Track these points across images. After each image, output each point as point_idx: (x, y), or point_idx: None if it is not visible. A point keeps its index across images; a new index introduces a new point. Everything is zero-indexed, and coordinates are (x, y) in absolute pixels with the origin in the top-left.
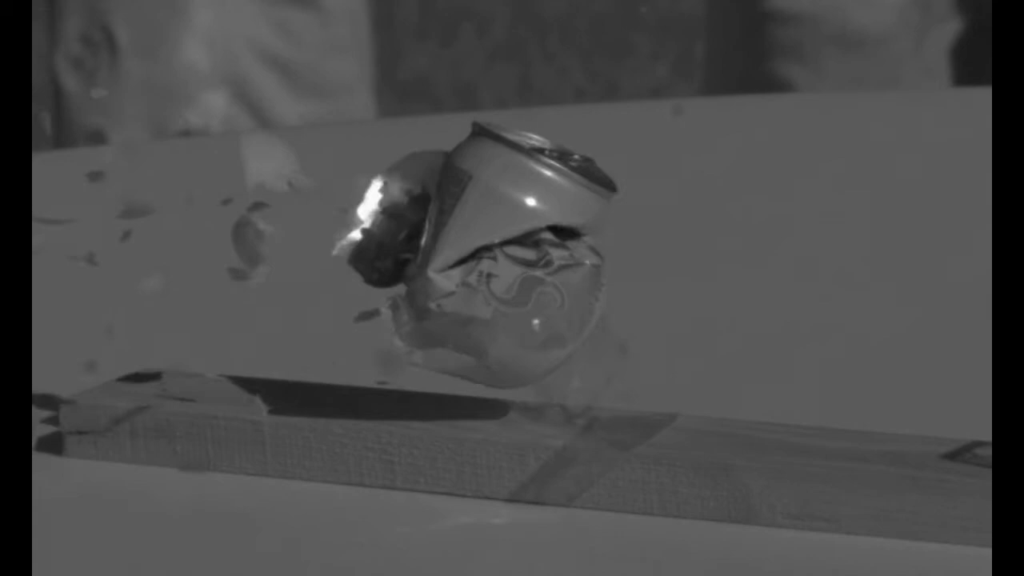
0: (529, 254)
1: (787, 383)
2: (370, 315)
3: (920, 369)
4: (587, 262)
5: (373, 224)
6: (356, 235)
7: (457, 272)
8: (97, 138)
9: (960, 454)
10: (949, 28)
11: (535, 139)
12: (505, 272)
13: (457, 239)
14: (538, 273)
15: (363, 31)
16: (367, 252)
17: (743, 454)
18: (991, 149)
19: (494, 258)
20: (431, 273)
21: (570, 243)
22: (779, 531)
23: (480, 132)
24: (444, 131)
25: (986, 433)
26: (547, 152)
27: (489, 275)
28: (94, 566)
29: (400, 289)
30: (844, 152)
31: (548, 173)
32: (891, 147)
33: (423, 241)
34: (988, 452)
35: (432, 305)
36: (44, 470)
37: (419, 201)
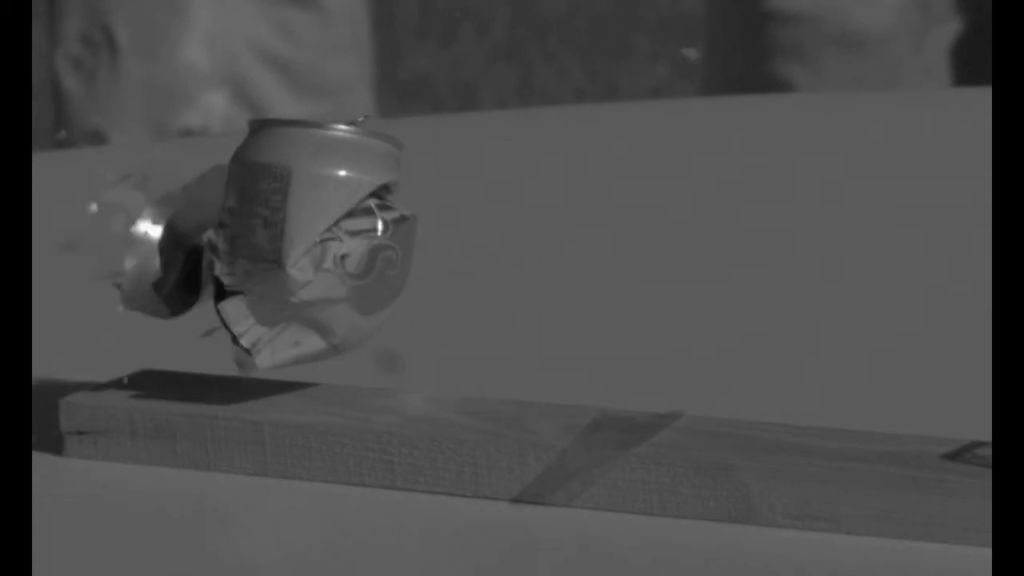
0: (366, 223)
1: (787, 383)
2: (214, 330)
3: (920, 369)
4: (410, 214)
5: (161, 255)
6: (146, 273)
7: (308, 261)
8: (97, 138)
9: (960, 454)
10: (949, 28)
11: (312, 119)
12: (354, 248)
13: (301, 231)
14: (379, 239)
15: (363, 31)
16: (165, 283)
17: (743, 454)
18: (991, 149)
19: (339, 238)
20: (289, 270)
21: (388, 200)
22: (779, 531)
23: (272, 125)
24: (444, 131)
25: (986, 433)
26: (334, 124)
27: (343, 256)
28: (94, 566)
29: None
30: (844, 152)
31: (356, 140)
32: (891, 147)
33: (258, 242)
34: (988, 452)
35: (293, 299)
36: (44, 470)
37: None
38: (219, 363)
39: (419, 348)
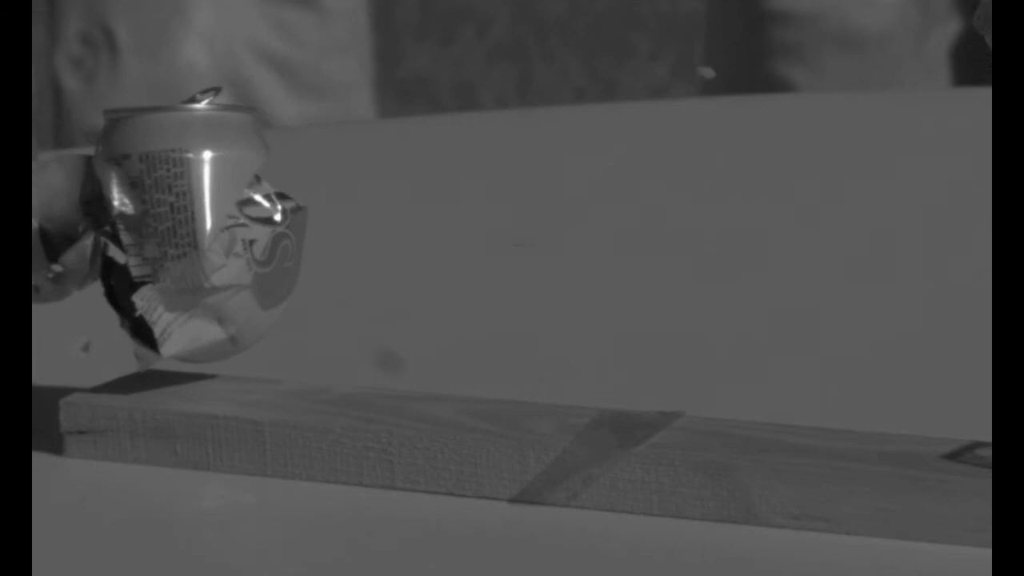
0: (267, 210)
1: (787, 383)
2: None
3: (920, 369)
4: (304, 205)
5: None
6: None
7: (219, 246)
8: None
9: (960, 454)
10: (949, 28)
11: (169, 103)
12: (259, 234)
13: (211, 213)
14: (279, 227)
15: (363, 31)
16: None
17: (743, 454)
18: (991, 149)
19: (246, 224)
20: (206, 251)
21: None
22: (779, 531)
23: (144, 113)
24: (444, 131)
25: (986, 433)
26: (214, 103)
27: (251, 241)
28: (94, 566)
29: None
30: (844, 152)
31: (239, 118)
32: (891, 147)
33: (168, 228)
34: (988, 452)
35: (206, 284)
36: (44, 470)
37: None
38: (219, 363)
39: (419, 348)
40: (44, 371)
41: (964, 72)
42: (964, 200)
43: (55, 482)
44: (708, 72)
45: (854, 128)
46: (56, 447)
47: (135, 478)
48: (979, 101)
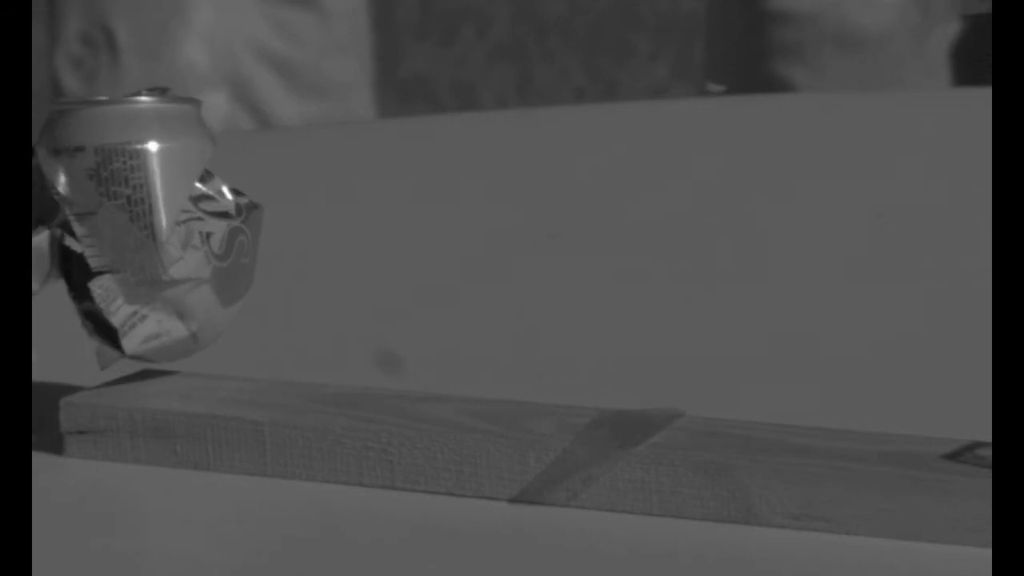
0: (222, 205)
1: (787, 383)
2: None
3: (920, 369)
4: (259, 203)
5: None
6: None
7: (176, 238)
8: None
9: (960, 454)
10: (949, 28)
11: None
12: (216, 227)
13: (169, 203)
14: (235, 222)
15: (363, 31)
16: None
17: (743, 454)
18: (991, 149)
19: (202, 217)
20: (164, 243)
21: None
22: (779, 531)
23: (93, 106)
24: (444, 131)
25: (986, 433)
26: (167, 95)
27: (208, 234)
28: (94, 566)
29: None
30: (844, 152)
31: (185, 109)
32: (891, 147)
33: (126, 220)
34: (988, 452)
35: (164, 276)
36: (44, 470)
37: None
38: (219, 363)
39: (419, 348)
40: (44, 371)
41: (964, 72)
42: (964, 200)
43: (55, 482)
44: (716, 88)
45: (854, 128)
46: (56, 447)
47: (135, 478)
48: (979, 101)
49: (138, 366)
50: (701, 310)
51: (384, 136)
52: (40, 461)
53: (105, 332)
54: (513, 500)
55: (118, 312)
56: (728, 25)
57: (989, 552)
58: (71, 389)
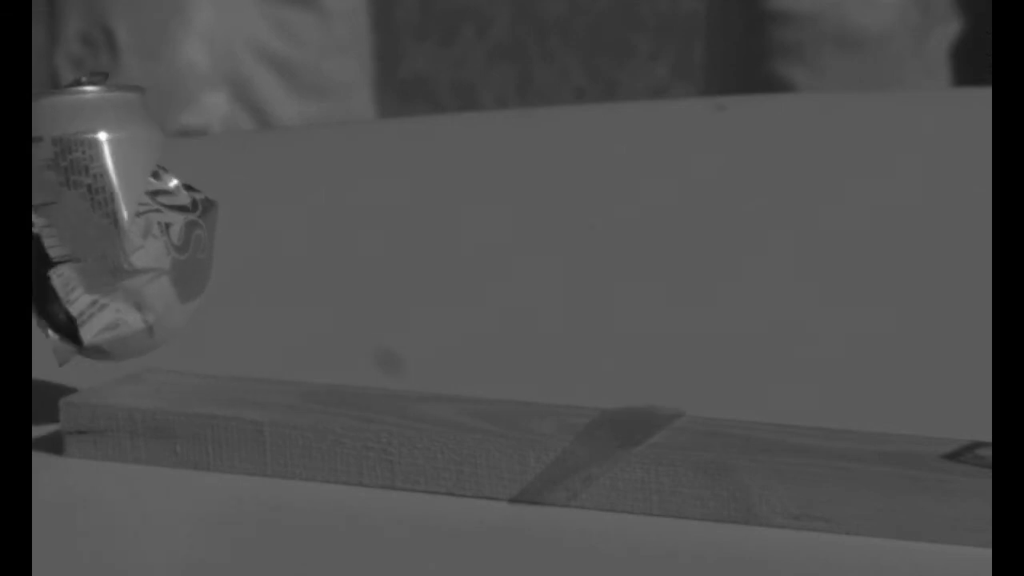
0: (178, 198)
1: (787, 383)
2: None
3: (920, 369)
4: (214, 199)
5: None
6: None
7: (136, 228)
8: None
9: (960, 454)
10: (949, 28)
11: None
12: (173, 219)
13: (128, 192)
14: (192, 215)
15: (363, 31)
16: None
17: (743, 454)
18: (991, 149)
19: (159, 209)
20: (126, 230)
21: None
22: (779, 531)
23: (45, 97)
24: (444, 131)
25: (986, 433)
26: (110, 82)
27: (167, 225)
28: (94, 566)
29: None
30: (844, 152)
31: (133, 98)
32: (891, 147)
33: (86, 209)
34: (988, 452)
35: (125, 265)
36: (44, 470)
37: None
38: (219, 363)
39: (419, 348)
40: (44, 371)
41: (964, 72)
42: (964, 200)
43: (55, 482)
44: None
45: (854, 128)
46: (56, 447)
47: (135, 478)
48: (979, 101)
49: (139, 366)
50: (701, 310)
51: (384, 136)
52: (40, 461)
53: (61, 327)
54: (513, 500)
55: (77, 301)
56: (728, 25)
57: (989, 552)
58: (71, 389)
